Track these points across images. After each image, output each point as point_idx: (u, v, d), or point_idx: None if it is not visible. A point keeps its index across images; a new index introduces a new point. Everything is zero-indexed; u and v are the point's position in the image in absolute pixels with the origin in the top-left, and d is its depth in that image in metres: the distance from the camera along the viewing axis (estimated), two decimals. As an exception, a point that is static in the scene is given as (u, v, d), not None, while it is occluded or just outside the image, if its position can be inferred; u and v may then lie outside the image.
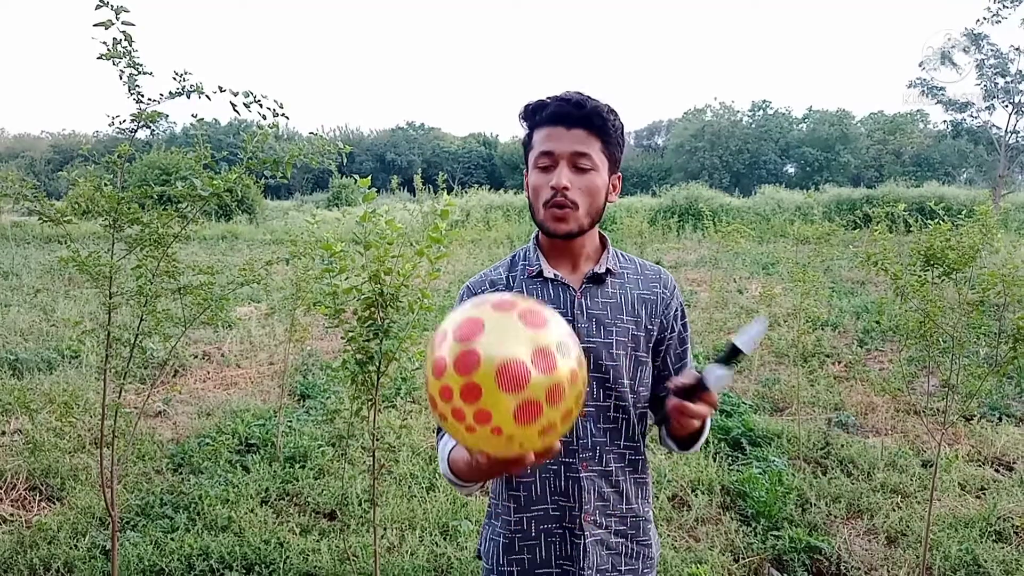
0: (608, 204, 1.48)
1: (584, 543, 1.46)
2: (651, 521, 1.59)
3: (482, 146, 63.82)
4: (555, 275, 1.49)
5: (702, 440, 1.52)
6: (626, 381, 1.48)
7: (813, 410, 5.72)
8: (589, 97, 1.42)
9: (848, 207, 22.21)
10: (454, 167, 58.91)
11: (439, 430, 1.52)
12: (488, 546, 1.57)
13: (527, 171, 1.50)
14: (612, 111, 1.44)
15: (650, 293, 1.55)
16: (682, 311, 1.60)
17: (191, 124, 2.83)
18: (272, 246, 16.76)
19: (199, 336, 8.02)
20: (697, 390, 1.26)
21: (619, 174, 1.51)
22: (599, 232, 1.54)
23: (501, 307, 1.04)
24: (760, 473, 4.33)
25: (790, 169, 56.12)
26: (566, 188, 1.38)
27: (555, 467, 1.47)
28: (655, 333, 1.54)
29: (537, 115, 1.44)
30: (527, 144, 1.49)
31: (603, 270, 1.50)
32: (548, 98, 1.44)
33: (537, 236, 1.56)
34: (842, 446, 4.86)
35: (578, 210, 1.41)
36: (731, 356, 1.24)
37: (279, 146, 2.77)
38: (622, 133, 1.48)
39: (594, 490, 1.47)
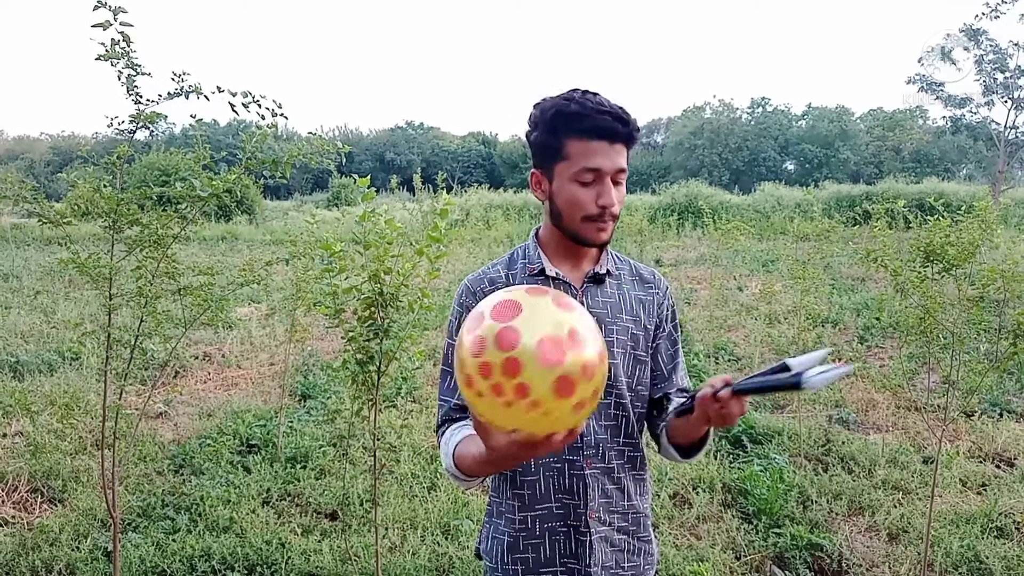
0: None
1: (590, 540, 1.47)
2: (650, 518, 1.60)
3: (481, 145, 63.76)
4: (557, 273, 1.49)
5: (705, 448, 1.50)
6: (624, 379, 1.50)
7: (814, 407, 5.72)
8: (623, 109, 1.39)
9: (848, 204, 22.24)
10: (453, 166, 58.83)
11: (439, 427, 1.52)
12: (490, 544, 1.56)
13: (550, 174, 1.44)
14: None
15: (646, 294, 1.57)
16: (673, 312, 1.62)
17: (190, 125, 2.83)
18: (272, 246, 16.76)
19: (199, 337, 8.02)
20: (780, 388, 1.14)
21: None
22: None
23: (534, 292, 1.10)
24: (761, 471, 4.34)
25: (790, 166, 56.04)
26: (614, 205, 1.40)
27: (559, 465, 1.47)
28: (652, 333, 1.56)
29: (575, 123, 1.37)
30: (555, 150, 1.41)
31: (604, 270, 1.51)
32: (578, 103, 1.37)
33: (537, 233, 1.56)
34: (843, 443, 4.86)
35: (616, 221, 1.44)
36: (788, 387, 1.12)
37: (278, 146, 2.76)
38: None
39: (598, 487, 1.48)
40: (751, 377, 1.19)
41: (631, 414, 1.52)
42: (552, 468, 1.47)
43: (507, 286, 1.50)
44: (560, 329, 1.03)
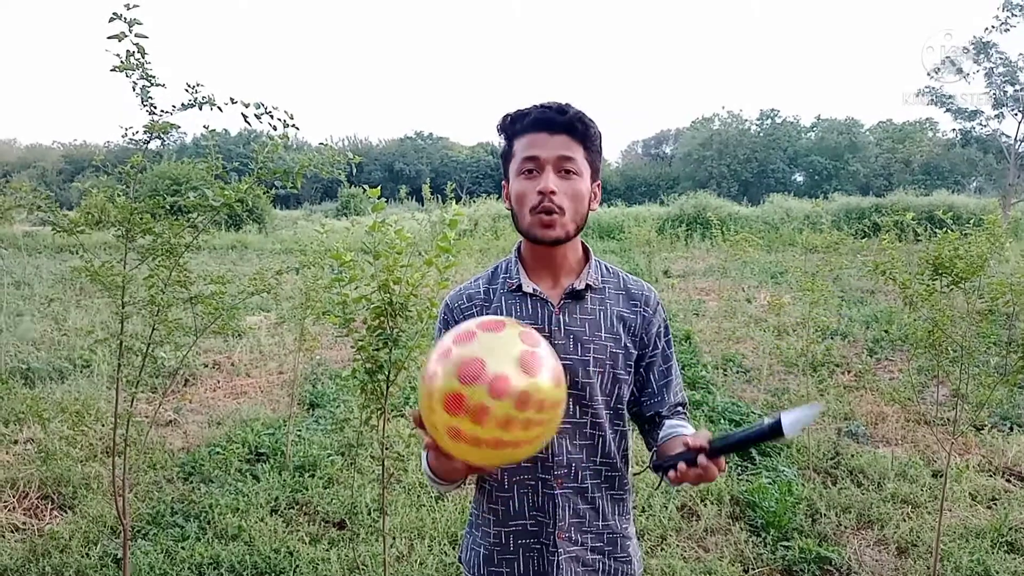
0: (591, 212, 1.48)
1: (558, 559, 1.47)
2: (631, 538, 1.57)
3: (490, 155, 63.81)
4: (534, 289, 1.48)
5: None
6: (601, 398, 1.47)
7: (823, 420, 5.69)
8: (567, 104, 1.43)
9: (857, 216, 22.16)
10: (462, 176, 59.00)
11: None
12: (469, 555, 1.58)
13: (507, 181, 1.49)
14: (591, 119, 1.45)
15: (630, 311, 1.53)
16: (665, 328, 1.58)
17: (202, 135, 2.86)
18: (282, 255, 16.81)
19: (209, 345, 8.05)
20: (758, 440, 1.16)
21: (599, 182, 1.50)
22: (582, 243, 1.54)
23: (532, 336, 1.21)
24: (770, 483, 4.32)
25: (799, 178, 56.00)
26: (553, 192, 1.38)
27: (532, 483, 1.47)
28: (635, 351, 1.52)
29: (518, 123, 1.44)
30: (507, 154, 1.48)
31: (582, 286, 1.48)
32: (522, 108, 1.45)
33: (519, 248, 1.55)
34: (852, 456, 4.84)
35: (564, 215, 1.41)
36: (768, 436, 1.13)
37: (289, 156, 2.79)
38: (601, 142, 1.48)
39: (569, 507, 1.47)
40: (729, 436, 1.21)
41: (608, 433, 1.49)
42: (526, 485, 1.47)
43: (487, 302, 1.53)
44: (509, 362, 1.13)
